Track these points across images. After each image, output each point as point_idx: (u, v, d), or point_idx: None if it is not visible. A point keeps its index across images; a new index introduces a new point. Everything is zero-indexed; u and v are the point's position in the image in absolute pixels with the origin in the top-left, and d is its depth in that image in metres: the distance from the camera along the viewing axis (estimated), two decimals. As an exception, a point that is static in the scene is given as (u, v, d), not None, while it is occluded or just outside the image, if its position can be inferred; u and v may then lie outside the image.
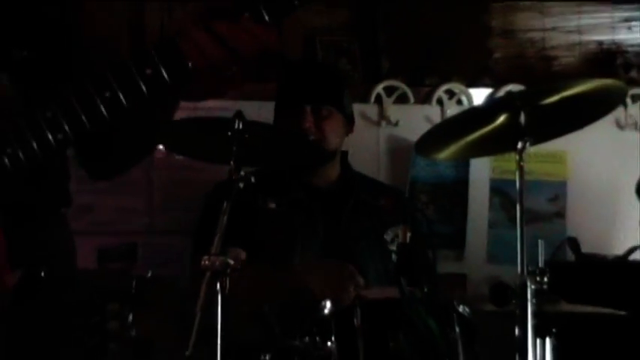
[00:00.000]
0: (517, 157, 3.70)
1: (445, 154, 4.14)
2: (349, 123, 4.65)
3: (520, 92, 4.12)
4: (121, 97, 2.07)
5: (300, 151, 4.31)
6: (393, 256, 4.47)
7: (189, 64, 2.05)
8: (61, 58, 2.35)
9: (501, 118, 3.78)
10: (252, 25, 2.04)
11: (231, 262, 3.30)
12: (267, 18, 2.04)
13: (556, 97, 3.77)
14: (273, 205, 4.51)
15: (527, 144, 3.69)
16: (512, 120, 3.70)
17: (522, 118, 3.68)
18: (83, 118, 2.07)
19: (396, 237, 4.48)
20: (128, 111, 2.09)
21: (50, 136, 2.09)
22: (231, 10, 2.06)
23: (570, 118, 3.95)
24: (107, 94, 2.06)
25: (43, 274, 2.23)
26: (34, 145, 2.09)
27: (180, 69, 2.06)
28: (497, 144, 3.92)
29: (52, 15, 2.41)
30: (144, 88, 2.06)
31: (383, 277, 4.42)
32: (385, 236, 4.56)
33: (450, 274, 5.34)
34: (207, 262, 3.26)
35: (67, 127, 2.08)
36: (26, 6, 2.39)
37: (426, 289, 3.79)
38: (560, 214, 5.67)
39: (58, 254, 2.45)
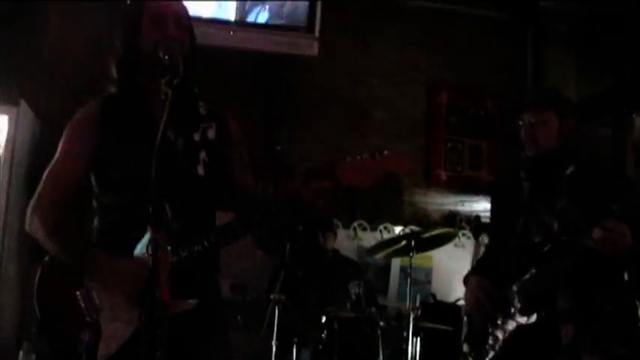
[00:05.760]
0: (410, 259, 4.46)
1: (379, 255, 4.91)
2: (335, 235, 5.24)
3: (413, 232, 4.68)
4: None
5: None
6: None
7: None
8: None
9: (403, 242, 4.50)
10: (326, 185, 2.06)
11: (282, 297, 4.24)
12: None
13: (429, 234, 4.56)
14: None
15: (414, 252, 4.43)
16: (409, 243, 4.43)
17: (412, 243, 4.42)
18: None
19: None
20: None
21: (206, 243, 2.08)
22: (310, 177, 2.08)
23: (435, 244, 4.69)
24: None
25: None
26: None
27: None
28: (402, 252, 4.60)
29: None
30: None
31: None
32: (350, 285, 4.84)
33: (381, 305, 5.34)
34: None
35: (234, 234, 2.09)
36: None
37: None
38: (429, 282, 6.08)
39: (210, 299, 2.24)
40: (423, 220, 6.34)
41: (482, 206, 6.35)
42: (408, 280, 4.48)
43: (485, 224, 6.15)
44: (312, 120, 6.30)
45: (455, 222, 6.30)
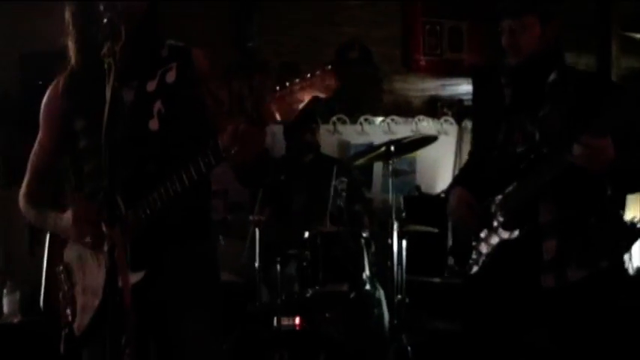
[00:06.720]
0: (390, 165, 4.34)
1: (358, 163, 4.75)
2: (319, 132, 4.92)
3: (392, 141, 4.41)
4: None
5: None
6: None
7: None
8: None
9: (383, 148, 4.34)
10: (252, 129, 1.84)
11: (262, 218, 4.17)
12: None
13: (407, 140, 4.40)
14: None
15: (395, 160, 4.34)
16: (388, 150, 4.30)
17: (392, 148, 4.29)
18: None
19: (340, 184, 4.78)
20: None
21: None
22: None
23: (415, 147, 4.62)
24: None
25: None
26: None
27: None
28: (382, 158, 4.48)
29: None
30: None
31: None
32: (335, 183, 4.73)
33: (367, 198, 5.25)
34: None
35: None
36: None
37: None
38: (414, 172, 5.99)
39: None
40: (404, 107, 6.20)
41: (464, 89, 6.19)
42: (390, 184, 4.37)
43: (467, 107, 6.00)
44: (282, 12, 5.92)
45: (436, 107, 6.19)
